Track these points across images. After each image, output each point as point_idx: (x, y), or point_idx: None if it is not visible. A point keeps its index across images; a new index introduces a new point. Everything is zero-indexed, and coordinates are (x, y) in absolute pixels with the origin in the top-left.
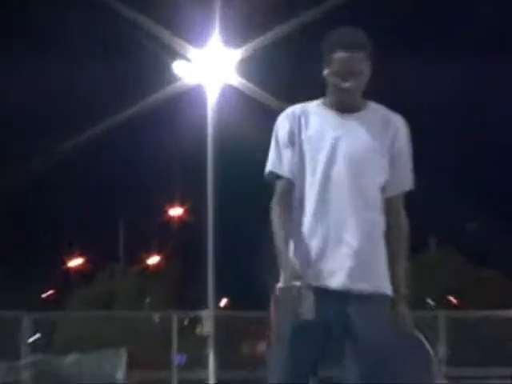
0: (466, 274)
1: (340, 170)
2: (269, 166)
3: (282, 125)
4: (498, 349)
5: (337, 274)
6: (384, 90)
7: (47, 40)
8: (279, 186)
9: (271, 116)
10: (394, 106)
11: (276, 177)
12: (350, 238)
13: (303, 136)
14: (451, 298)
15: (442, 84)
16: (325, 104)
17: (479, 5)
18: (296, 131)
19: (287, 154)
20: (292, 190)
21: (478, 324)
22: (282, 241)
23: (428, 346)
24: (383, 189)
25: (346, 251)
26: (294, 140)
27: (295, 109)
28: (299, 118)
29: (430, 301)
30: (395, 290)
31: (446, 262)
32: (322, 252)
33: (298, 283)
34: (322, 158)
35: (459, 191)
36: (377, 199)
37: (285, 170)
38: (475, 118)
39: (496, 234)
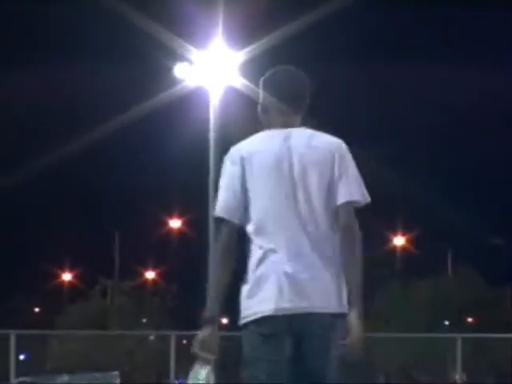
0: (484, 293)
1: None
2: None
3: None
4: None
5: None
6: None
7: (45, 42)
8: None
9: None
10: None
11: None
12: None
13: None
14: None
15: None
16: None
17: None
18: None
19: None
20: None
21: (496, 347)
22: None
23: None
24: None
25: None
26: None
27: None
28: None
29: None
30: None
31: (463, 283)
32: None
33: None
34: None
35: (480, 206)
36: None
37: None
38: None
39: None
